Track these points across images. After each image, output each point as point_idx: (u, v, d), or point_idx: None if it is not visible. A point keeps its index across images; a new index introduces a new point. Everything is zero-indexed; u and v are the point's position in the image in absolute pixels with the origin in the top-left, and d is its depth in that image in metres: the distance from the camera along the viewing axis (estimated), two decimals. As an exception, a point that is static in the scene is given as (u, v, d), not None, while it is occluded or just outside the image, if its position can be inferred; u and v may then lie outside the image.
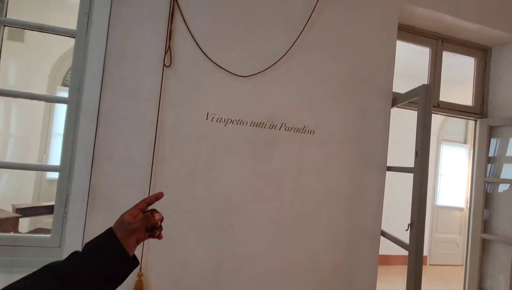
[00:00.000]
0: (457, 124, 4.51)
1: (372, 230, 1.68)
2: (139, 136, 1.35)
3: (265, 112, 1.52)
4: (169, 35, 1.39)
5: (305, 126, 1.57)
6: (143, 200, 0.60)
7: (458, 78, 3.30)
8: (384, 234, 1.71)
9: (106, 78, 1.32)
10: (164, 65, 1.38)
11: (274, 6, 1.54)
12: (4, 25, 1.33)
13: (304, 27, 1.56)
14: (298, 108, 1.56)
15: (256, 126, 1.50)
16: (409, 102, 1.71)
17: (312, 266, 1.57)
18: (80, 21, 1.36)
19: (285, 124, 1.54)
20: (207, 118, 1.44)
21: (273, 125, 1.52)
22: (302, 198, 1.56)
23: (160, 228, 0.60)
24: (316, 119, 1.59)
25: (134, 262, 0.53)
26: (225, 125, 1.46)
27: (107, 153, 1.31)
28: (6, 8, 1.34)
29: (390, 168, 1.72)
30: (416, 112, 1.53)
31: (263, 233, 1.51)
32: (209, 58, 1.44)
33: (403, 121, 3.19)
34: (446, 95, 2.13)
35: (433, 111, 1.71)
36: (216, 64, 1.44)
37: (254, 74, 1.49)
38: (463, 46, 2.15)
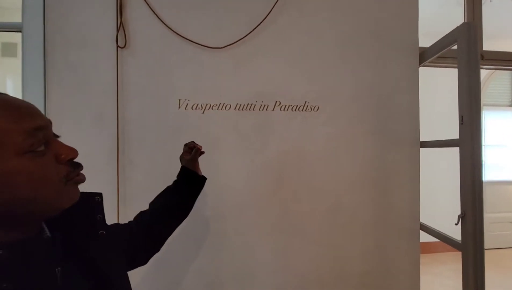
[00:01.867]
0: (501, 84, 3.84)
1: (408, 223, 1.32)
2: (97, 138, 1.10)
3: (252, 90, 1.20)
4: (120, 9, 1.11)
5: (305, 102, 1.23)
6: (187, 145, 0.89)
7: (502, 31, 2.72)
8: (424, 228, 1.34)
9: (49, 71, 1.08)
10: (117, 46, 1.11)
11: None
12: None
13: (292, -26, 1.21)
14: (294, 80, 1.22)
15: (242, 109, 1.19)
16: (442, 57, 1.30)
17: (333, 276, 1.25)
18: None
19: (280, 102, 1.21)
20: (179, 107, 1.15)
21: (264, 105, 1.20)
22: (311, 192, 1.24)
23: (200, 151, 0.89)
24: (319, 91, 1.24)
25: (204, 178, 0.91)
26: (203, 112, 1.17)
27: (61, 162, 1.07)
28: None
29: (424, 144, 1.33)
30: (452, 70, 1.13)
31: (266, 241, 1.21)
32: (173, 31, 1.14)
33: (434, 87, 2.69)
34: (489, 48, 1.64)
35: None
36: (182, 36, 1.15)
37: (233, 43, 1.18)
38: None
